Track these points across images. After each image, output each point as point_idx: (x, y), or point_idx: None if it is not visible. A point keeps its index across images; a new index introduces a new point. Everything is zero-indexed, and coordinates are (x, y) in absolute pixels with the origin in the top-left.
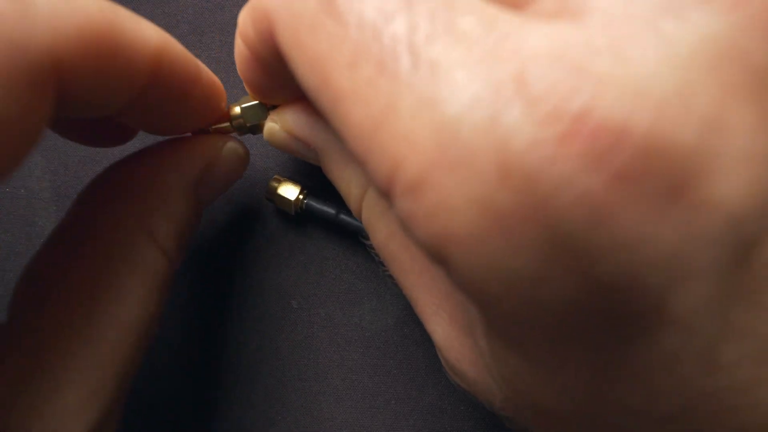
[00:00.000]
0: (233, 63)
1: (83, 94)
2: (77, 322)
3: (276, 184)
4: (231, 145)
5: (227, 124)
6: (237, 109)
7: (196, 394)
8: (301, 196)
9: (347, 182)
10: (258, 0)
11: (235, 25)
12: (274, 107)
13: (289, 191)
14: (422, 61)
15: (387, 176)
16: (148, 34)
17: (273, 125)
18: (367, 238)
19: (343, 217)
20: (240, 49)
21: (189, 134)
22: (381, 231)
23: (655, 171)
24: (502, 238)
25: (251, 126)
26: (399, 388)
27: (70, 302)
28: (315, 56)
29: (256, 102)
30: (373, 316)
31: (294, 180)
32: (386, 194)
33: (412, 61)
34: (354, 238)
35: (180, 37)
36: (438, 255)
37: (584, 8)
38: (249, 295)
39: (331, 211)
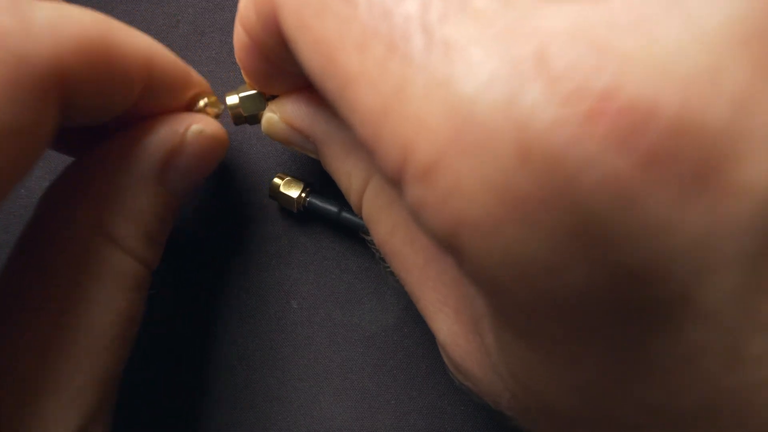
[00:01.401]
0: (234, 63)
1: (84, 102)
2: (47, 331)
3: (279, 182)
4: (198, 126)
5: (205, 104)
6: (235, 98)
7: (196, 394)
8: (303, 194)
9: (347, 175)
10: None
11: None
12: (273, 98)
13: (292, 189)
14: (435, 41)
15: (398, 161)
16: (138, 42)
17: (272, 116)
18: (367, 233)
19: (345, 215)
20: (240, 35)
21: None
22: (383, 226)
23: (684, 152)
24: (520, 224)
25: (248, 116)
26: (399, 388)
27: (38, 312)
28: (321, 38)
29: (255, 92)
30: (373, 316)
31: (297, 177)
32: (396, 181)
33: (425, 40)
34: (355, 238)
35: (180, 37)
36: (451, 243)
37: None
38: (249, 295)
39: (333, 209)
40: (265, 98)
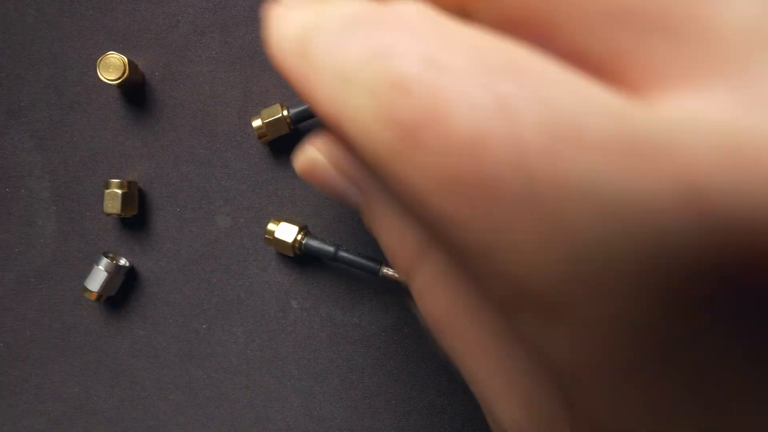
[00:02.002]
0: (233, 63)
1: None
2: None
3: (273, 228)
4: None
5: None
6: (258, 122)
7: (196, 394)
8: (299, 237)
9: (400, 239)
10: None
11: (234, 24)
12: (298, 121)
13: (287, 234)
14: None
15: (512, 300)
16: None
17: (317, 156)
18: (389, 265)
19: (342, 254)
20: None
21: None
22: (441, 300)
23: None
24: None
25: (273, 138)
26: (399, 388)
27: None
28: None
29: (278, 116)
30: (373, 316)
31: (290, 221)
32: (508, 316)
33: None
34: (354, 240)
35: (180, 37)
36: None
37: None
38: (249, 295)
39: (330, 249)
40: (288, 122)
